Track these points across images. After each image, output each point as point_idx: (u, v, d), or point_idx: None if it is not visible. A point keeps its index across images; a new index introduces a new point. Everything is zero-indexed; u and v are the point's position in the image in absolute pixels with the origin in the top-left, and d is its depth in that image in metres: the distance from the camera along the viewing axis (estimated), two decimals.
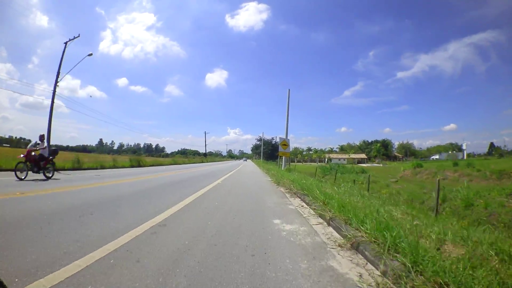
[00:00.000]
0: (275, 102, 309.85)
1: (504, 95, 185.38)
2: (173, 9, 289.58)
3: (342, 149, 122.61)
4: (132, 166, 24.21)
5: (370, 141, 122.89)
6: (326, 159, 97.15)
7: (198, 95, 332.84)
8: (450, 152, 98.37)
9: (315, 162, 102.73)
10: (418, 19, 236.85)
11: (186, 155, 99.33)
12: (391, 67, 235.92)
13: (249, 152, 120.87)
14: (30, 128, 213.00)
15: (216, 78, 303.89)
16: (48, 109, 19.64)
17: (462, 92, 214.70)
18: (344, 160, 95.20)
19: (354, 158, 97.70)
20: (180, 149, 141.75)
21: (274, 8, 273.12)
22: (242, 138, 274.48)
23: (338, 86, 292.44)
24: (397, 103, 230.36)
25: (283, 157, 20.46)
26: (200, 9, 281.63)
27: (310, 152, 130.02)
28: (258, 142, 76.33)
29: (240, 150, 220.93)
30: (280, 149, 19.11)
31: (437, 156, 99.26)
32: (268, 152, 68.59)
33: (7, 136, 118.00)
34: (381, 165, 70.44)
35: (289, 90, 18.66)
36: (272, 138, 77.69)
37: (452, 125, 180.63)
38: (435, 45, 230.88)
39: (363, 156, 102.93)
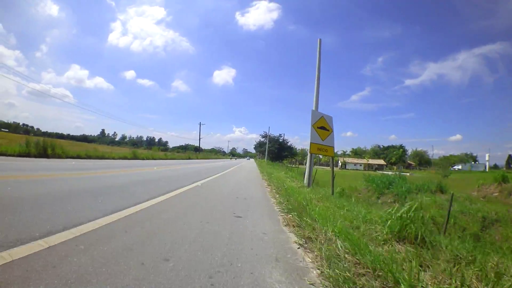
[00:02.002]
0: (282, 103, 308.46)
1: (510, 108, 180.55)
2: (184, 4, 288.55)
3: (356, 153, 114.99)
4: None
5: (384, 146, 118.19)
6: (340, 163, 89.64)
7: (205, 92, 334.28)
8: (473, 162, 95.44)
9: (326, 166, 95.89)
10: (428, 26, 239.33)
11: (185, 151, 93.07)
12: (399, 73, 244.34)
13: (253, 150, 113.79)
14: (35, 116, 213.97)
15: (223, 75, 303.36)
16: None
17: (469, 103, 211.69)
18: (361, 165, 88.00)
19: (371, 164, 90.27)
20: (184, 144, 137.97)
21: (285, 7, 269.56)
22: (247, 137, 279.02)
23: (346, 90, 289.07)
24: (403, 110, 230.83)
25: (310, 159, 10.94)
26: (210, 5, 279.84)
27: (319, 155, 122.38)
28: (263, 139, 67.97)
29: (244, 148, 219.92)
30: (314, 136, 10.06)
31: (459, 167, 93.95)
32: (275, 151, 61.22)
33: (11, 122, 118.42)
34: (408, 174, 63.02)
35: (319, 40, 11.98)
36: (280, 135, 68.86)
37: (458, 136, 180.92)
38: (445, 54, 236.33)
39: (381, 162, 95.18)
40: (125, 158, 25.04)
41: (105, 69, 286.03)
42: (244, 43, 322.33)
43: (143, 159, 27.54)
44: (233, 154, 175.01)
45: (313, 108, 13.07)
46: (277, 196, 7.44)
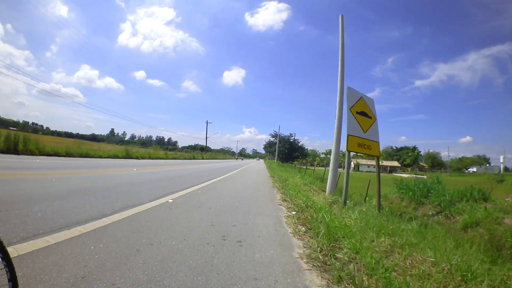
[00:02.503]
0: (291, 103, 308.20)
1: None
2: (193, 5, 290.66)
3: (369, 154, 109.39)
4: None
5: (396, 147, 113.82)
6: (353, 165, 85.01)
7: (215, 92, 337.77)
8: (487, 165, 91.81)
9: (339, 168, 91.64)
10: (438, 27, 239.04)
11: (193, 150, 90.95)
12: (409, 74, 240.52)
13: (263, 151, 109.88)
14: (45, 115, 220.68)
15: (233, 76, 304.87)
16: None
17: (479, 104, 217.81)
18: (374, 167, 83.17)
19: (385, 166, 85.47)
20: (193, 144, 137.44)
21: (294, 8, 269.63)
22: (257, 138, 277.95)
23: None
24: (413, 112, 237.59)
25: (347, 160, 7.42)
26: (219, 6, 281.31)
27: (328, 156, 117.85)
28: (273, 139, 63.99)
29: (253, 149, 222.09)
30: (352, 126, 6.97)
31: (474, 169, 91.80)
32: (285, 151, 57.32)
33: (20, 121, 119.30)
34: (425, 177, 58.27)
35: (341, 16, 10.04)
36: (290, 134, 64.57)
37: (468, 138, 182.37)
38: (454, 55, 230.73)
39: (394, 163, 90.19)
40: (115, 157, 21.99)
41: (115, 69, 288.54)
42: (254, 44, 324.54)
43: (138, 158, 24.47)
44: (243, 154, 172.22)
45: (338, 89, 9.63)
46: (303, 229, 3.95)
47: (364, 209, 7.23)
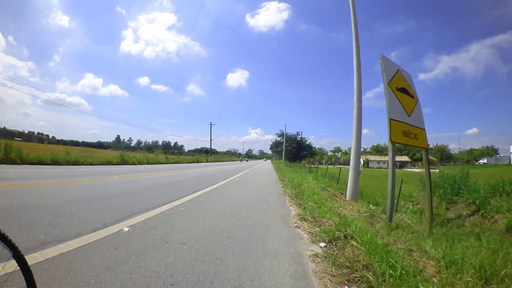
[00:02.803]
0: (296, 103, 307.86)
1: None
2: (193, 9, 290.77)
3: (378, 150, 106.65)
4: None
5: None
6: (362, 162, 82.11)
7: (219, 95, 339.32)
8: (498, 156, 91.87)
9: (344, 165, 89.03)
10: (440, 19, 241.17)
11: (200, 154, 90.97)
12: (413, 68, 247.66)
13: (269, 152, 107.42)
14: (52, 124, 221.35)
15: (237, 78, 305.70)
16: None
17: (484, 95, 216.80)
18: (384, 163, 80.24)
19: (397, 161, 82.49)
20: (200, 147, 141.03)
21: (295, 7, 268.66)
22: (263, 139, 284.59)
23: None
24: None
25: (392, 156, 5.25)
26: (220, 8, 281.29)
27: (336, 153, 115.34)
28: (279, 138, 61.43)
29: (260, 150, 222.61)
30: (394, 107, 5.02)
31: (485, 161, 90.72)
32: (293, 150, 55.23)
33: (26, 131, 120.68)
34: (437, 171, 55.30)
35: None
36: (298, 133, 61.61)
37: (475, 129, 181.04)
38: (457, 46, 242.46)
39: (405, 158, 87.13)
40: (108, 163, 20.19)
41: (119, 76, 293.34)
42: (256, 45, 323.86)
43: (134, 163, 22.61)
44: (249, 155, 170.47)
45: (354, 65, 7.62)
46: None
47: (410, 220, 5.20)
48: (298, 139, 59.01)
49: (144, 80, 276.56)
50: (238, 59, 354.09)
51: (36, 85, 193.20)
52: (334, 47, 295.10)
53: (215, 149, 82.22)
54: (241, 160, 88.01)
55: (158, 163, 26.01)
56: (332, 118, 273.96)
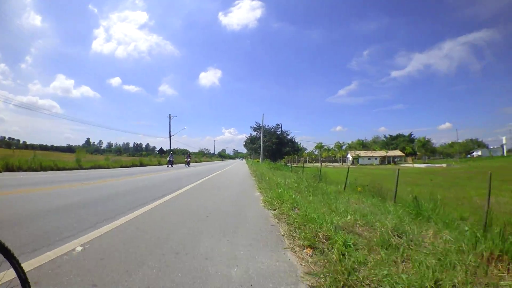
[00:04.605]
0: (271, 101, 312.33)
1: (499, 94, 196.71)
2: (165, 8, 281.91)
3: (364, 145, 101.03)
4: None
5: (391, 135, 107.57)
6: (351, 158, 74.92)
7: (192, 95, 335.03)
8: (492, 147, 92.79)
9: (326, 162, 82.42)
10: (413, 17, 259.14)
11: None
12: (385, 66, 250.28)
13: (244, 150, 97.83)
14: (25, 129, 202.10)
15: (210, 77, 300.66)
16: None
17: (457, 91, 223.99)
18: (376, 159, 74.05)
19: (389, 156, 76.67)
20: (175, 148, 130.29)
21: (268, 5, 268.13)
22: (237, 138, 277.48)
23: (333, 85, 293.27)
24: (392, 102, 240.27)
25: None
26: (192, 7, 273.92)
27: (311, 151, 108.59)
28: (255, 133, 51.72)
29: (234, 149, 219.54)
30: None
31: (479, 153, 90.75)
32: (272, 147, 46.46)
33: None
34: (445, 165, 49.73)
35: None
36: (278, 125, 51.84)
37: (448, 124, 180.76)
38: (430, 44, 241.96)
39: (398, 153, 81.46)
40: None
41: (91, 77, 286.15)
42: (229, 44, 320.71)
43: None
44: (222, 155, 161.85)
45: None
46: None
47: None
48: (278, 132, 50.16)
49: (116, 81, 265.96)
50: (211, 58, 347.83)
51: (9, 88, 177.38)
52: (307, 45, 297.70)
53: (188, 149, 72.01)
54: (218, 161, 78.07)
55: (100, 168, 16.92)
56: (307, 115, 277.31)
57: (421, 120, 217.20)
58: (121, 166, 23.74)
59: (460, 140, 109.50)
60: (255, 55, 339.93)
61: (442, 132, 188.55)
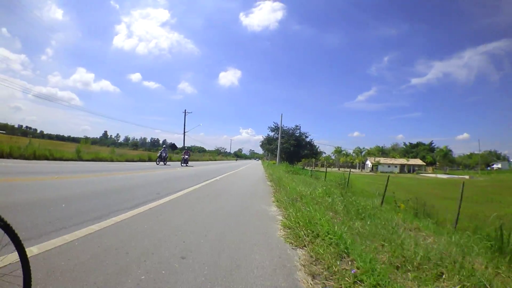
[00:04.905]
0: (288, 103, 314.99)
1: None
2: (187, 6, 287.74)
3: (383, 152, 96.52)
4: None
5: (410, 143, 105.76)
6: (370, 165, 71.15)
7: (211, 93, 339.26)
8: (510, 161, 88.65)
9: (343, 167, 79.15)
10: (433, 25, 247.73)
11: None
12: (405, 73, 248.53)
13: (260, 151, 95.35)
14: (43, 119, 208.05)
15: (229, 77, 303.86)
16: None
17: (475, 101, 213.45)
18: (396, 166, 70.03)
19: (409, 165, 72.46)
20: (191, 145, 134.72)
21: (289, 7, 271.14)
22: (254, 139, 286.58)
23: (352, 90, 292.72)
24: (410, 110, 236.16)
25: None
26: (213, 6, 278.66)
27: (328, 155, 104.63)
28: (272, 133, 49.07)
29: (250, 149, 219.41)
30: None
31: (499, 165, 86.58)
32: (290, 148, 43.29)
33: (16, 125, 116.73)
34: (467, 177, 46.64)
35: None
36: (296, 126, 48.86)
37: (466, 135, 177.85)
38: (450, 52, 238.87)
39: (418, 162, 76.93)
40: None
41: (111, 72, 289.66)
42: (249, 44, 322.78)
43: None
44: (238, 155, 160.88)
45: None
46: None
47: None
48: (297, 134, 47.56)
49: (136, 76, 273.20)
50: (231, 58, 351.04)
51: (28, 79, 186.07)
52: (326, 48, 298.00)
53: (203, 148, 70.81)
54: (229, 160, 75.11)
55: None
56: (324, 119, 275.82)
57: (439, 130, 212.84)
58: (126, 160, 22.18)
59: (478, 152, 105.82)
60: (274, 57, 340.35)
61: (459, 142, 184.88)
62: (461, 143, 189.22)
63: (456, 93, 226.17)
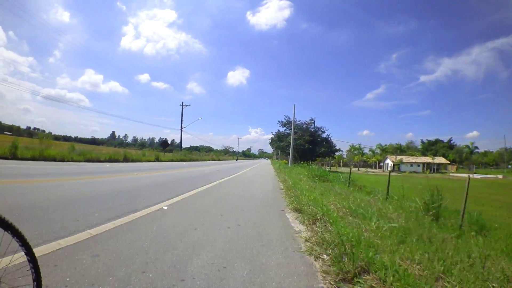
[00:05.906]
0: (297, 102, 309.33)
1: None
2: (194, 6, 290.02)
3: (401, 150, 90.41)
4: None
5: (429, 140, 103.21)
6: (391, 164, 64.67)
7: (219, 93, 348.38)
8: None
9: (356, 167, 74.22)
10: (442, 21, 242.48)
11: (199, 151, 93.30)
12: (414, 70, 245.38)
13: (270, 150, 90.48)
14: (52, 121, 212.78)
15: (237, 76, 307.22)
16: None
17: (484, 99, 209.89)
18: (418, 165, 64.33)
19: (433, 163, 66.52)
20: (199, 145, 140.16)
21: (296, 5, 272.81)
22: (263, 138, 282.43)
23: (361, 88, 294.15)
24: (419, 108, 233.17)
25: None
26: (220, 6, 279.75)
27: (340, 154, 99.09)
28: (283, 129, 43.80)
29: (260, 149, 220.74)
30: None
31: None
32: (304, 146, 38.19)
33: (25, 127, 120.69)
34: (500, 176, 43.23)
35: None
36: (311, 119, 43.45)
37: (475, 132, 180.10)
38: (459, 49, 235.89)
39: (443, 160, 70.69)
40: None
41: (120, 73, 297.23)
42: (257, 43, 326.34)
43: None
44: (246, 154, 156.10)
45: None
46: None
47: None
48: (312, 129, 42.03)
49: (144, 77, 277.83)
50: (239, 58, 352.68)
51: (36, 81, 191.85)
52: (335, 46, 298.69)
53: (211, 148, 66.42)
54: (234, 160, 69.05)
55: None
56: (333, 118, 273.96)
57: (449, 127, 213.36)
58: (87, 160, 17.67)
59: (491, 150, 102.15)
60: (282, 55, 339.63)
61: (469, 140, 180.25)
62: (471, 140, 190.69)
63: (465, 90, 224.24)
